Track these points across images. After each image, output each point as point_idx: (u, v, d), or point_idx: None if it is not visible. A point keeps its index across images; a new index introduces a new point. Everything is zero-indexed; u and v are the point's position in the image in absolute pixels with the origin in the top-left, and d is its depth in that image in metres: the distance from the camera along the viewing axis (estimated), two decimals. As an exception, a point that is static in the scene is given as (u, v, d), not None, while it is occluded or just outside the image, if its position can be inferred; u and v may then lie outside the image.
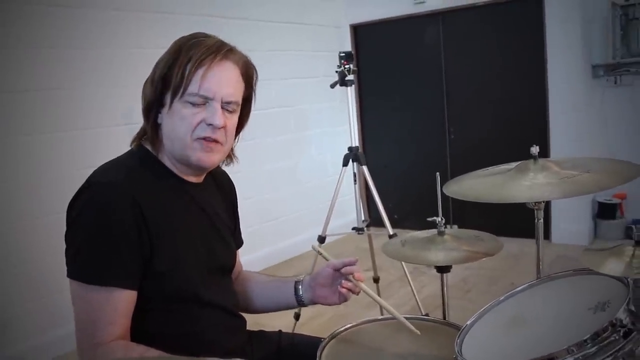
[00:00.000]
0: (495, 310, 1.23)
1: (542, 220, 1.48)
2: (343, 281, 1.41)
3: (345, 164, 3.13)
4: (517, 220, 3.69)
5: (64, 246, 1.23)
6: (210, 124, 1.25)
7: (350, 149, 3.11)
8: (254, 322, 1.59)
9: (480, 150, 4.73)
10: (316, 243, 1.49)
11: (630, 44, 4.36)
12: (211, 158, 1.30)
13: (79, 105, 3.32)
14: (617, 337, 0.92)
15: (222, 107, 1.27)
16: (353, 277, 1.40)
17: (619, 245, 1.10)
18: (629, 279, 1.01)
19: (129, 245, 1.19)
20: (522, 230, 3.96)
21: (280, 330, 1.64)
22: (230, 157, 1.46)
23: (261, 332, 1.61)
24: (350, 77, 3.00)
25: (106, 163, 1.31)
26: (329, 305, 1.47)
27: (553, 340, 0.97)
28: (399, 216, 5.13)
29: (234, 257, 1.53)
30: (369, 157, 5.61)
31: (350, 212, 3.39)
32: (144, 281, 1.23)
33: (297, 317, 3.11)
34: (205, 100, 1.25)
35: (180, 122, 1.25)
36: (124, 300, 1.20)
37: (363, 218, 3.23)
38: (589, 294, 1.08)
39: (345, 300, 1.43)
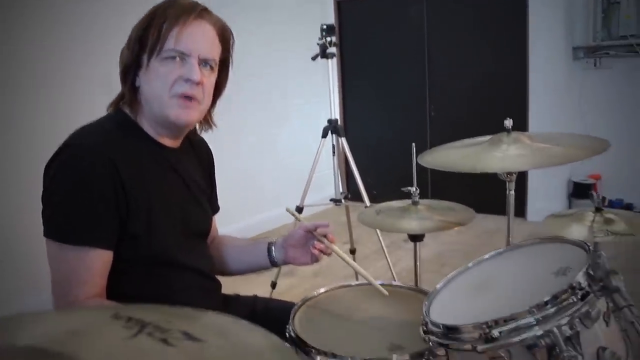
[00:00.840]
0: (463, 276, 1.27)
1: (513, 192, 1.52)
2: (315, 242, 1.45)
3: (324, 135, 3.15)
4: (494, 198, 3.74)
5: (41, 207, 1.24)
6: (188, 79, 1.26)
7: (329, 121, 3.12)
8: (230, 289, 1.62)
9: (459, 129, 4.71)
10: (290, 207, 1.52)
11: (611, 27, 4.40)
12: (189, 115, 1.30)
13: (56, 72, 3.27)
14: (575, 300, 0.96)
15: (199, 65, 1.28)
16: (327, 238, 1.43)
17: (579, 212, 1.14)
18: (590, 246, 1.05)
19: (104, 206, 1.21)
20: (498, 207, 3.99)
21: (255, 295, 1.67)
22: (208, 122, 1.47)
23: (236, 296, 1.64)
24: (332, 49, 3.01)
25: (84, 126, 1.32)
26: (300, 265, 1.51)
27: (516, 302, 1.01)
28: (378, 192, 5.15)
29: (209, 222, 1.55)
30: (350, 133, 5.66)
31: (330, 186, 3.41)
32: (120, 243, 1.25)
33: (273, 285, 3.15)
34: (182, 57, 1.26)
35: (157, 80, 1.26)
36: (99, 260, 1.22)
37: (341, 190, 3.26)
38: (552, 260, 1.12)
39: (317, 260, 1.48)
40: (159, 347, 0.53)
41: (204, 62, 1.29)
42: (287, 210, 1.53)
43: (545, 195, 4.62)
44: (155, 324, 0.57)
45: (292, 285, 3.60)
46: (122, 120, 1.34)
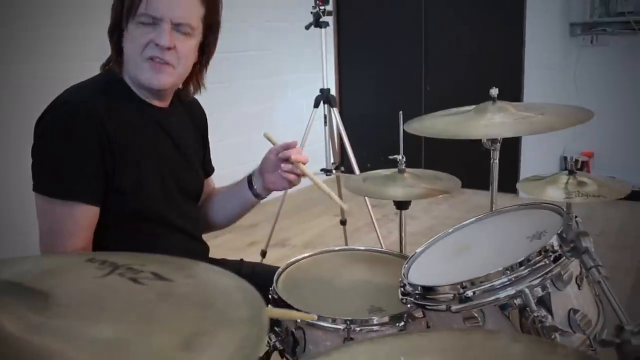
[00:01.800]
0: (443, 241, 1.29)
1: (497, 161, 1.54)
2: (283, 165, 1.41)
3: (316, 105, 3.14)
4: (486, 173, 3.76)
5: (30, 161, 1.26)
6: (157, 44, 1.25)
7: (321, 90, 3.11)
8: (219, 256, 1.64)
9: (455, 103, 4.73)
10: (269, 132, 1.47)
11: (609, 4, 4.38)
12: (160, 79, 1.30)
13: (51, 37, 3.25)
14: (547, 262, 0.98)
15: (173, 29, 1.27)
16: (292, 158, 1.39)
17: (553, 175, 1.16)
18: (565, 211, 1.07)
19: (91, 162, 1.23)
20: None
21: (241, 259, 1.69)
22: (199, 85, 1.47)
23: (223, 259, 1.66)
24: (325, 18, 2.99)
25: (74, 85, 1.33)
26: (280, 190, 1.48)
27: (492, 264, 1.03)
28: (373, 165, 5.17)
29: (200, 183, 1.55)
30: (346, 104, 5.65)
31: (322, 156, 3.42)
32: (107, 198, 1.27)
33: (263, 254, 3.18)
34: (155, 21, 1.25)
35: (132, 42, 1.27)
36: (85, 214, 1.25)
37: (332, 161, 3.27)
38: (529, 225, 1.14)
39: (292, 184, 1.44)
40: (128, 284, 0.55)
41: (177, 27, 1.27)
42: (265, 135, 1.47)
43: (538, 172, 4.62)
44: (128, 266, 0.60)
45: (282, 255, 3.63)
46: (111, 80, 1.35)
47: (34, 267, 0.61)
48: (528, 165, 4.67)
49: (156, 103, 1.39)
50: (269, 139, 1.47)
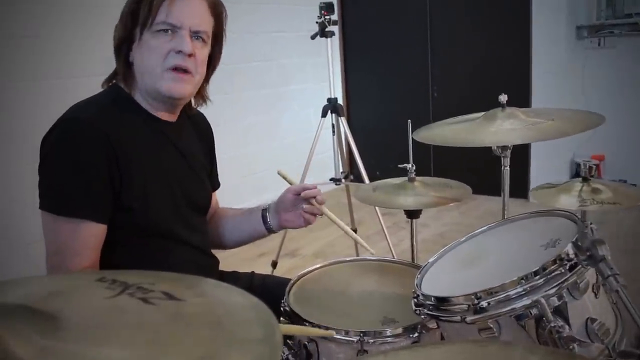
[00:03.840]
0: (456, 250, 1.28)
1: (508, 168, 1.52)
2: (304, 205, 1.46)
3: (324, 114, 3.13)
4: (496, 179, 3.74)
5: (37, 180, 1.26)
6: (180, 51, 1.26)
7: (329, 100, 3.11)
8: (231, 268, 1.63)
9: (462, 109, 4.70)
10: (283, 170, 1.52)
11: (616, 5, 4.35)
12: (182, 88, 1.31)
13: (56, 54, 3.27)
14: (563, 270, 0.97)
15: (191, 37, 1.29)
16: (315, 200, 1.45)
17: (567, 182, 1.14)
18: (579, 218, 1.06)
19: (98, 180, 1.22)
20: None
21: (252, 272, 1.68)
22: (202, 98, 1.47)
23: (234, 272, 1.65)
24: (331, 28, 2.99)
25: (80, 101, 1.33)
26: (296, 228, 1.52)
27: (505, 273, 1.01)
28: (382, 173, 5.16)
29: (208, 197, 1.56)
30: (353, 113, 5.65)
31: (331, 166, 3.41)
32: (115, 215, 1.26)
33: (274, 265, 3.17)
34: (174, 29, 1.26)
35: (149, 53, 1.27)
36: (92, 232, 1.24)
37: (342, 170, 3.26)
38: (542, 233, 1.12)
39: (310, 223, 1.48)
40: (139, 305, 0.54)
41: (195, 35, 1.30)
42: (279, 173, 1.52)
43: (548, 177, 4.54)
44: (139, 285, 0.59)
45: (293, 266, 3.62)
46: (117, 95, 1.35)
47: (41, 289, 0.60)
48: (538, 170, 4.64)
49: (165, 117, 1.39)
50: (284, 177, 1.51)
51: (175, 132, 1.42)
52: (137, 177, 1.28)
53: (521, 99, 4.37)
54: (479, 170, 4.21)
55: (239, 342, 0.47)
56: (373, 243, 4.01)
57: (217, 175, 1.64)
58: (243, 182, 4.57)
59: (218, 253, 1.59)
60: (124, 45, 1.30)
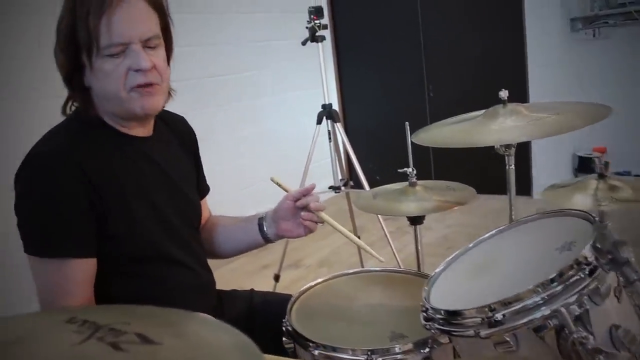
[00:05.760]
0: (464, 258, 1.21)
1: (513, 167, 1.45)
2: (303, 213, 1.37)
3: (319, 121, 3.07)
4: (498, 177, 3.67)
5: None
6: (138, 69, 1.16)
7: (323, 106, 3.04)
8: (233, 283, 1.56)
9: (459, 107, 4.64)
10: (276, 176, 1.44)
11: (609, -4, 4.30)
12: (154, 101, 1.22)
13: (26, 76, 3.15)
14: (582, 275, 0.89)
15: (144, 47, 1.18)
16: (312, 206, 1.36)
17: (582, 180, 1.07)
18: (595, 217, 0.99)
19: (78, 214, 1.15)
20: (504, 187, 3.94)
21: (252, 289, 1.61)
22: (168, 92, 1.34)
23: (233, 291, 1.58)
24: (321, 32, 2.93)
25: (47, 133, 1.24)
26: (295, 237, 1.43)
27: (519, 281, 0.94)
28: (381, 177, 5.09)
29: (198, 210, 1.47)
30: (349, 118, 5.59)
31: (329, 173, 3.34)
32: (103, 244, 1.20)
33: (276, 278, 3.09)
34: (124, 47, 1.16)
35: (107, 79, 1.17)
36: (80, 269, 1.17)
37: (340, 177, 3.19)
38: (556, 235, 1.05)
39: (311, 231, 1.40)
40: (107, 353, 0.47)
41: (145, 43, 1.18)
42: (272, 180, 1.44)
43: (550, 172, 4.54)
44: (111, 326, 0.52)
45: (297, 277, 3.54)
46: (84, 120, 1.25)
47: (5, 333, 0.53)
48: (539, 165, 4.58)
49: (140, 133, 1.30)
50: (278, 185, 1.43)
51: (153, 147, 1.33)
52: (118, 203, 1.21)
53: (518, 94, 4.28)
54: (480, 169, 4.15)
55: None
56: (377, 249, 3.88)
57: (204, 178, 1.56)
58: (241, 194, 4.50)
59: (220, 268, 1.51)
60: (74, 74, 1.20)
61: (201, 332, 0.51)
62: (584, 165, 4.58)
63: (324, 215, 1.37)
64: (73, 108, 1.29)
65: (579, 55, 4.48)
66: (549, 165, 4.53)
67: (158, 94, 1.23)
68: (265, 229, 1.45)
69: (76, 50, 1.16)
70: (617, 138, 4.37)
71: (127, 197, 1.23)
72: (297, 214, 1.39)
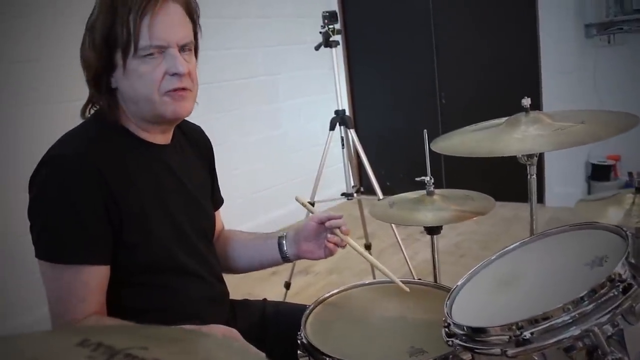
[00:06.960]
0: (487, 271, 1.17)
1: (534, 176, 1.41)
2: (329, 235, 1.36)
3: (332, 127, 3.04)
4: (511, 184, 3.63)
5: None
6: (175, 73, 1.16)
7: (336, 112, 3.01)
8: (244, 291, 1.53)
9: (472, 115, 4.59)
10: (301, 196, 1.42)
11: (624, 1, 4.25)
12: (186, 106, 1.22)
13: (55, 78, 3.17)
14: (615, 293, 0.86)
15: (180, 52, 1.18)
16: (340, 230, 1.35)
17: (617, 194, 1.03)
18: (627, 231, 0.94)
19: (94, 220, 1.13)
20: (516, 194, 3.88)
21: (265, 299, 1.58)
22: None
23: (245, 301, 1.56)
24: (335, 37, 2.90)
25: (65, 135, 1.22)
26: (315, 259, 1.42)
27: (547, 298, 0.91)
28: (392, 183, 5.06)
29: (212, 221, 1.46)
30: (361, 124, 5.55)
31: (341, 180, 3.30)
32: (117, 253, 1.17)
33: (287, 286, 3.05)
34: (162, 50, 1.16)
35: (140, 81, 1.16)
36: (94, 276, 1.14)
37: (353, 184, 3.16)
38: (585, 249, 1.01)
39: (332, 254, 1.39)
40: (124, 383, 0.44)
41: (182, 48, 1.19)
42: (297, 199, 1.42)
43: (563, 179, 4.49)
44: (127, 351, 0.48)
45: (307, 284, 3.51)
46: (104, 124, 1.23)
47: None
48: (552, 172, 4.53)
49: (159, 140, 1.29)
50: (303, 204, 1.42)
51: (172, 156, 1.32)
52: (136, 211, 1.18)
53: (532, 101, 4.26)
54: (492, 175, 4.11)
55: None
56: (388, 256, 3.92)
57: (219, 190, 1.54)
58: (252, 199, 4.48)
59: (229, 274, 1.49)
60: (103, 75, 1.18)
61: (222, 356, 0.48)
62: (597, 173, 4.52)
63: (350, 240, 1.36)
64: (92, 111, 1.27)
65: (594, 61, 4.42)
66: (562, 173, 4.48)
67: (189, 100, 1.22)
68: (285, 249, 1.43)
69: (110, 50, 1.15)
70: (631, 145, 4.30)
71: (145, 205, 1.21)
72: (320, 235, 1.38)
